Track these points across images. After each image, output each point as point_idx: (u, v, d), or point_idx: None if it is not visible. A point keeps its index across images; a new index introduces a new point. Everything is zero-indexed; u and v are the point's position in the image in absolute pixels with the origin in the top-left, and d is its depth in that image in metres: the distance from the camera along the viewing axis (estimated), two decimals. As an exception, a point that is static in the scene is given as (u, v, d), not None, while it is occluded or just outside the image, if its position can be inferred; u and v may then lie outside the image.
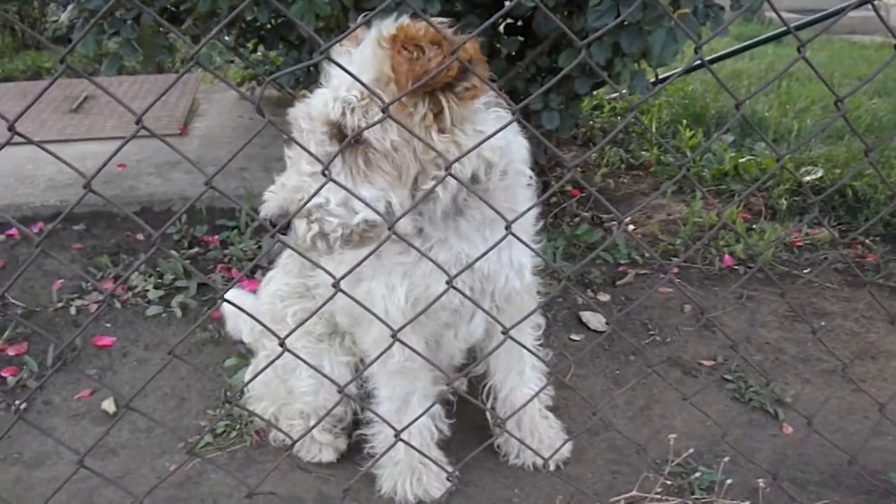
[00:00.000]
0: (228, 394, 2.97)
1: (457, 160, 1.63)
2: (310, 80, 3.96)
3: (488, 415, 2.70)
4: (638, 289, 3.77)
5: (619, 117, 6.09)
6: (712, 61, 5.73)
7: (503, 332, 1.68)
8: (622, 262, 3.97)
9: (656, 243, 4.14)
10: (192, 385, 3.06)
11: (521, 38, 3.87)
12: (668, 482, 2.53)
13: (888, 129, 5.69)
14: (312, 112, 1.84)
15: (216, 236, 4.02)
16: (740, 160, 4.94)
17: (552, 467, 2.61)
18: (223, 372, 3.12)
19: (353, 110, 1.78)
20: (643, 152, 5.38)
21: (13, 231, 3.99)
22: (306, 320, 1.73)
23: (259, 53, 4.68)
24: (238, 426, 2.81)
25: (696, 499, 2.46)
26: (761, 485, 2.44)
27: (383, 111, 1.42)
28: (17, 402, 2.92)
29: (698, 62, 1.58)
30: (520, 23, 3.96)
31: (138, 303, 3.55)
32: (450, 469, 2.19)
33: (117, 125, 5.24)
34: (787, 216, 4.48)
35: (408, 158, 1.82)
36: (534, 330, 2.62)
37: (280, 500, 2.50)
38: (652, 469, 2.57)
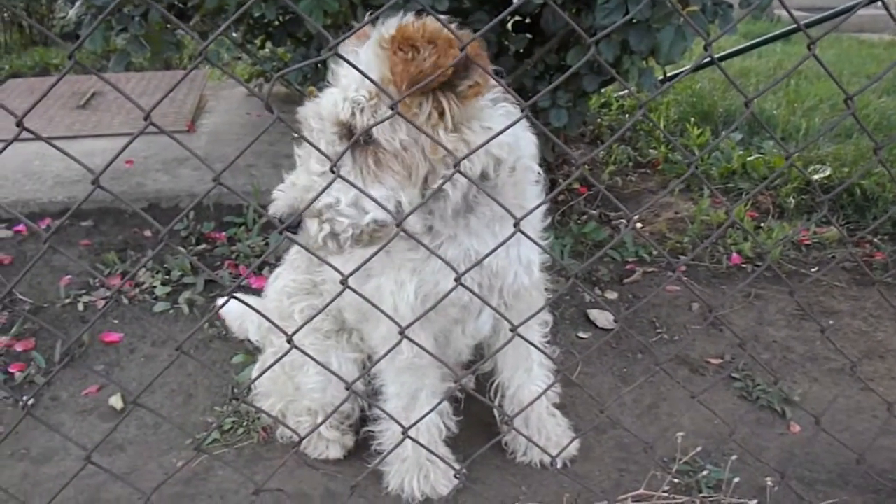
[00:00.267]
0: (236, 390, 2.97)
1: (465, 157, 1.62)
2: (318, 76, 3.96)
3: (496, 412, 2.70)
4: (646, 287, 3.76)
5: (626, 115, 6.08)
6: (721, 59, 5.71)
7: (511, 330, 1.68)
8: (630, 259, 3.97)
9: (664, 241, 4.13)
10: (200, 381, 3.06)
11: (529, 36, 3.86)
12: (676, 480, 2.52)
13: (896, 128, 5.68)
14: (322, 112, 1.84)
15: (223, 233, 4.03)
16: (748, 158, 4.92)
17: (559, 465, 2.61)
18: (230, 368, 3.12)
19: (362, 110, 1.78)
20: (651, 150, 5.36)
21: (21, 227, 4.00)
22: (314, 317, 1.73)
23: (267, 50, 4.68)
24: (245, 423, 2.81)
25: (704, 497, 2.46)
26: (769, 483, 2.44)
27: (391, 108, 1.42)
28: (24, 398, 2.93)
29: (708, 59, 1.57)
30: (528, 20, 3.95)
31: (146, 299, 3.56)
32: (457, 466, 2.19)
33: (125, 122, 5.24)
34: (794, 215, 4.47)
35: (417, 157, 1.82)
36: (541, 327, 2.61)
37: (287, 496, 2.50)
38: (659, 467, 2.57)
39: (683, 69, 5.16)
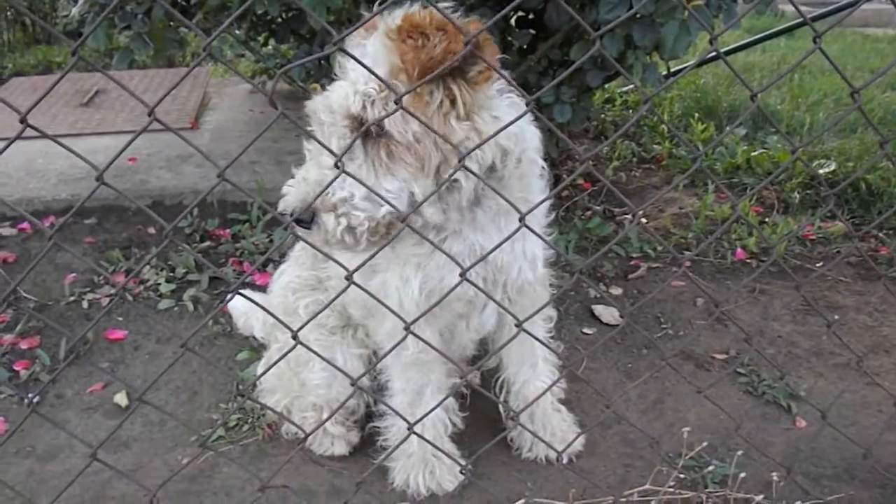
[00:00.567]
0: (241, 387, 2.97)
1: (477, 147, 1.62)
2: (321, 73, 3.96)
3: (501, 408, 2.70)
4: (650, 282, 3.76)
5: (630, 111, 6.07)
6: (725, 54, 5.69)
7: (517, 325, 1.67)
8: (634, 255, 3.96)
9: (668, 237, 4.13)
10: (205, 378, 3.06)
11: (532, 32, 3.86)
12: (682, 476, 2.52)
13: (902, 122, 5.67)
14: (333, 105, 1.83)
15: (228, 230, 4.03)
16: (752, 153, 4.92)
17: (565, 460, 2.61)
18: (235, 365, 3.12)
19: (373, 103, 1.78)
20: (655, 145, 5.36)
21: (25, 225, 4.00)
22: (319, 313, 1.72)
23: (270, 47, 4.68)
24: (250, 419, 2.81)
25: (710, 492, 2.45)
26: (775, 478, 2.43)
27: (396, 103, 1.41)
28: (29, 396, 2.93)
29: (713, 54, 1.56)
30: (531, 16, 3.94)
31: (150, 296, 3.56)
32: (463, 462, 2.18)
33: (128, 119, 5.24)
34: (799, 209, 4.46)
35: (429, 148, 1.81)
36: (546, 323, 2.61)
37: (292, 493, 2.50)
38: (665, 462, 2.56)
39: (688, 64, 5.16)
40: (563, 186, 1.75)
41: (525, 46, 3.92)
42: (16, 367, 3.08)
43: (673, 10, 3.07)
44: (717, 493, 2.44)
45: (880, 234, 4.19)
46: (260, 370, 2.84)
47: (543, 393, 2.26)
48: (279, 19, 4.17)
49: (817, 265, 3.93)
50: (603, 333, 3.37)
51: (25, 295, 3.54)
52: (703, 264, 3.93)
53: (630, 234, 4.02)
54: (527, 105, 1.45)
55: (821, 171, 4.68)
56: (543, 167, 2.16)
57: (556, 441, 2.56)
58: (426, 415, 1.95)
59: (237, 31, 4.44)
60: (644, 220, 4.33)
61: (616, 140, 5.29)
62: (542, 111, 3.62)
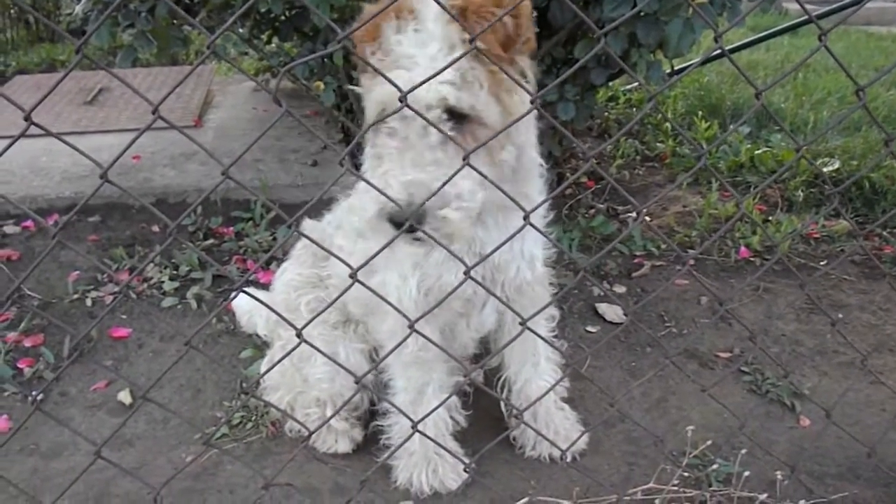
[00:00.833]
0: (244, 385, 2.97)
1: (516, 121, 1.61)
2: (324, 70, 3.96)
3: (503, 406, 2.70)
4: (654, 280, 3.75)
5: (634, 109, 6.06)
6: (729, 52, 5.69)
7: (521, 324, 1.67)
8: (638, 253, 3.96)
9: (672, 235, 4.13)
10: (208, 376, 3.06)
11: (536, 29, 3.84)
12: (686, 474, 2.52)
13: (905, 121, 5.65)
14: (421, 97, 1.70)
15: (231, 228, 4.02)
16: (756, 152, 4.91)
17: (569, 459, 2.61)
18: (239, 363, 3.13)
19: (459, 89, 1.71)
20: (658, 144, 5.35)
21: (29, 223, 4.00)
22: (323, 311, 1.72)
23: (273, 45, 4.67)
24: (254, 417, 2.81)
25: (714, 491, 2.45)
26: (779, 477, 2.43)
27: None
28: (33, 394, 2.93)
29: (717, 52, 1.56)
30: (535, 13, 3.93)
31: (154, 294, 3.56)
32: (466, 460, 2.18)
33: (132, 117, 5.24)
34: (803, 208, 4.45)
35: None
36: (548, 322, 2.61)
37: (296, 491, 2.50)
38: (669, 461, 2.56)
39: (692, 62, 5.16)
40: (568, 184, 1.75)
41: (529, 44, 3.91)
42: (20, 365, 3.08)
43: (677, 8, 3.07)
44: (721, 492, 2.44)
45: (884, 233, 4.18)
46: (263, 368, 2.84)
47: (546, 392, 2.25)
48: (282, 17, 4.17)
49: (821, 264, 3.93)
50: (607, 332, 3.37)
51: (29, 293, 3.54)
52: (707, 263, 3.92)
53: (634, 232, 4.01)
54: (531, 102, 1.45)
55: (825, 170, 4.67)
56: (541, 165, 2.16)
57: (560, 439, 2.56)
58: (429, 413, 1.95)
59: (240, 30, 4.44)
60: (648, 219, 4.33)
61: (620, 138, 5.29)
62: (546, 109, 3.62)
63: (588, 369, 3.12)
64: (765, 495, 2.37)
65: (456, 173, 1.53)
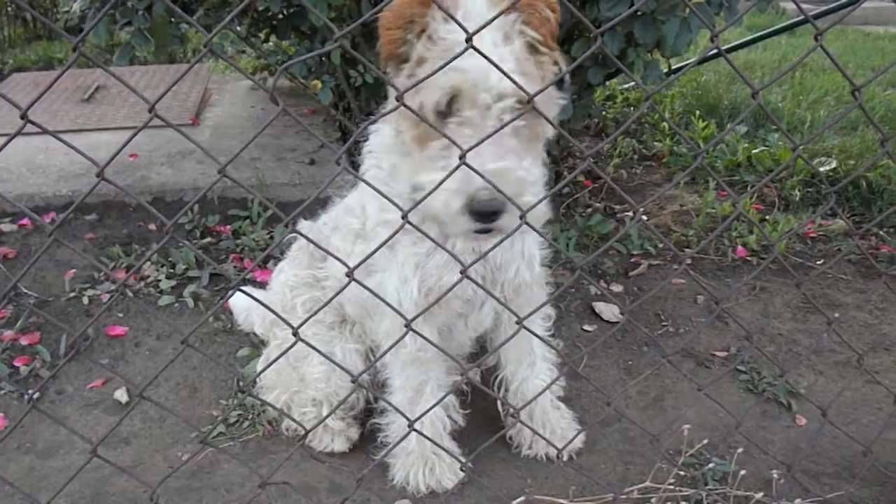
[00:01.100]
0: (241, 383, 2.97)
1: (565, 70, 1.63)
2: (322, 69, 3.95)
3: (500, 405, 2.70)
4: (651, 279, 3.76)
5: (631, 108, 6.07)
6: (726, 52, 5.69)
7: (517, 322, 1.67)
8: (635, 252, 3.96)
9: (669, 234, 4.13)
10: (205, 375, 3.06)
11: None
12: (682, 473, 2.52)
13: (903, 120, 5.66)
14: (498, 87, 1.71)
15: (228, 226, 4.02)
16: (753, 151, 4.91)
17: (565, 458, 2.61)
18: (236, 362, 3.12)
19: (530, 80, 1.70)
20: (656, 143, 5.35)
21: (26, 221, 4.00)
22: (318, 310, 1.72)
23: (271, 43, 4.66)
24: (250, 416, 2.81)
25: (710, 490, 2.45)
26: (775, 476, 2.43)
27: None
28: (29, 392, 2.93)
29: (714, 51, 1.56)
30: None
31: (150, 292, 3.56)
32: (462, 460, 2.19)
33: (129, 115, 5.23)
34: (800, 207, 4.46)
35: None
36: (544, 321, 2.61)
37: (293, 489, 2.50)
38: (665, 460, 2.56)
39: (689, 61, 5.15)
40: (565, 183, 1.74)
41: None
42: (16, 364, 3.08)
43: (674, 8, 3.07)
44: (717, 491, 2.44)
45: (881, 232, 4.19)
46: (260, 367, 2.84)
47: (542, 392, 2.26)
48: (280, 15, 4.17)
49: (818, 263, 3.93)
50: (603, 331, 3.37)
51: (26, 291, 3.54)
52: (704, 262, 3.92)
53: (631, 231, 4.02)
54: (527, 103, 1.45)
55: (822, 169, 4.68)
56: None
57: (556, 438, 2.56)
58: (426, 412, 1.95)
59: (238, 28, 4.43)
60: (645, 218, 4.33)
61: (617, 137, 5.29)
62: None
63: (584, 368, 3.12)
64: (761, 494, 2.38)
65: (454, 171, 1.52)
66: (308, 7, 1.28)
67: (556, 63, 1.83)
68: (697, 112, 5.63)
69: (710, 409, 2.83)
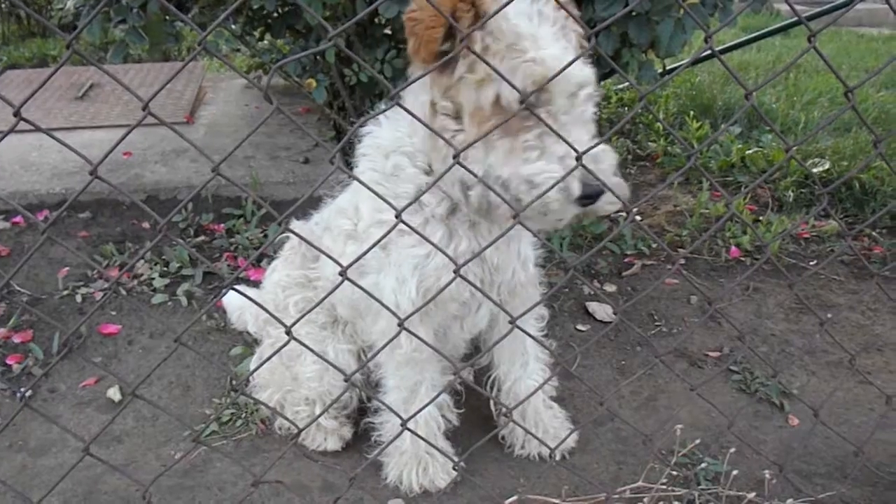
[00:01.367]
0: (234, 382, 2.96)
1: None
2: (317, 68, 3.95)
3: (492, 405, 2.70)
4: (644, 279, 3.76)
5: (626, 108, 6.07)
6: (720, 52, 5.70)
7: (510, 322, 1.67)
8: (629, 252, 3.97)
9: (663, 234, 4.13)
10: (198, 373, 3.06)
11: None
12: (674, 473, 2.52)
13: (895, 122, 5.68)
14: (580, 77, 1.77)
15: (222, 225, 4.02)
16: (747, 152, 4.92)
17: (558, 457, 2.61)
18: (229, 360, 3.12)
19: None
20: (650, 143, 5.36)
21: (19, 219, 3.99)
22: (311, 310, 1.72)
23: (265, 42, 4.66)
24: (244, 414, 2.81)
25: (702, 489, 2.46)
26: (767, 476, 2.44)
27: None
28: (22, 390, 2.93)
29: (708, 52, 1.57)
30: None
31: (144, 291, 3.55)
32: (455, 459, 2.19)
33: (123, 113, 5.23)
34: (793, 208, 4.47)
35: None
36: (537, 321, 2.62)
37: (286, 488, 2.50)
38: (658, 459, 2.57)
39: (683, 62, 5.16)
40: (557, 182, 1.75)
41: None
42: (8, 361, 3.07)
43: (668, 8, 3.08)
44: (710, 491, 2.45)
45: (874, 233, 4.20)
46: (253, 365, 2.84)
47: (534, 392, 2.26)
48: (275, 14, 4.16)
49: (811, 263, 3.94)
50: (597, 330, 3.38)
51: (19, 289, 3.53)
52: (698, 262, 3.93)
53: (624, 231, 4.02)
54: (521, 103, 1.45)
55: (815, 170, 4.69)
56: None
57: (549, 438, 2.56)
58: (419, 411, 1.96)
59: (233, 26, 4.43)
60: (638, 218, 4.33)
61: (611, 137, 5.29)
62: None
63: (578, 368, 3.12)
64: (753, 494, 2.38)
65: (448, 170, 1.53)
66: (302, 6, 1.28)
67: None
68: (692, 112, 5.64)
69: (703, 409, 2.84)
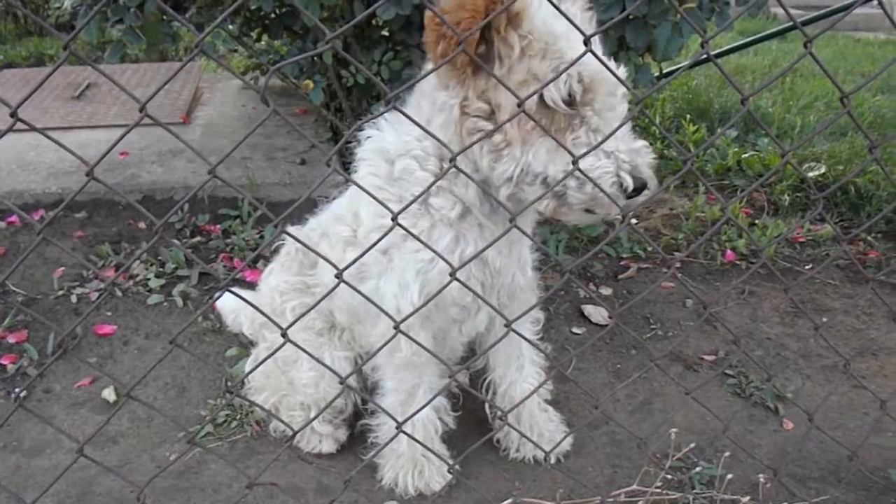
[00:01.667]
0: (229, 384, 2.97)
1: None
2: (314, 69, 3.95)
3: (487, 408, 2.70)
4: (640, 283, 3.77)
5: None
6: (717, 56, 5.72)
7: (506, 325, 1.67)
8: (625, 255, 3.97)
9: (659, 238, 4.14)
10: (193, 374, 3.06)
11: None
12: (669, 476, 2.53)
13: (891, 126, 5.69)
14: (621, 75, 1.78)
15: (218, 225, 4.01)
16: (743, 155, 4.93)
17: (553, 460, 2.61)
18: (224, 362, 3.12)
19: None
20: (646, 146, 5.35)
21: (14, 218, 3.98)
22: (306, 313, 1.71)
23: (263, 43, 4.66)
24: (239, 416, 2.81)
25: (697, 493, 2.46)
26: (762, 480, 2.44)
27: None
28: (16, 390, 2.92)
29: (704, 56, 1.57)
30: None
31: (139, 291, 3.55)
32: (451, 462, 2.19)
33: (120, 113, 5.22)
34: (789, 212, 4.48)
35: None
36: (533, 325, 2.62)
37: (280, 490, 2.49)
38: (652, 463, 2.57)
39: (680, 66, 5.17)
40: (554, 186, 1.75)
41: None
42: (3, 362, 3.07)
43: (666, 12, 3.08)
44: (704, 495, 2.45)
45: (869, 238, 4.21)
46: (248, 368, 2.84)
47: (529, 395, 2.26)
48: (272, 15, 4.16)
49: (806, 267, 3.95)
50: (592, 333, 3.38)
51: (14, 288, 3.53)
52: (694, 265, 3.94)
53: (620, 234, 4.02)
54: (518, 106, 1.45)
55: (810, 174, 4.70)
56: None
57: (544, 441, 2.57)
58: (414, 414, 1.95)
59: (230, 27, 4.42)
60: (634, 221, 4.34)
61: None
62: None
63: (573, 371, 3.13)
64: (747, 498, 2.38)
65: (446, 173, 1.52)
66: (300, 8, 1.28)
67: None
68: (688, 116, 5.65)
69: (698, 412, 2.84)
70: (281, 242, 2.77)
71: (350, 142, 1.97)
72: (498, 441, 2.68)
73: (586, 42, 1.42)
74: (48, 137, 1.23)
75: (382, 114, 2.11)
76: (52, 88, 5.75)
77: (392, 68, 3.66)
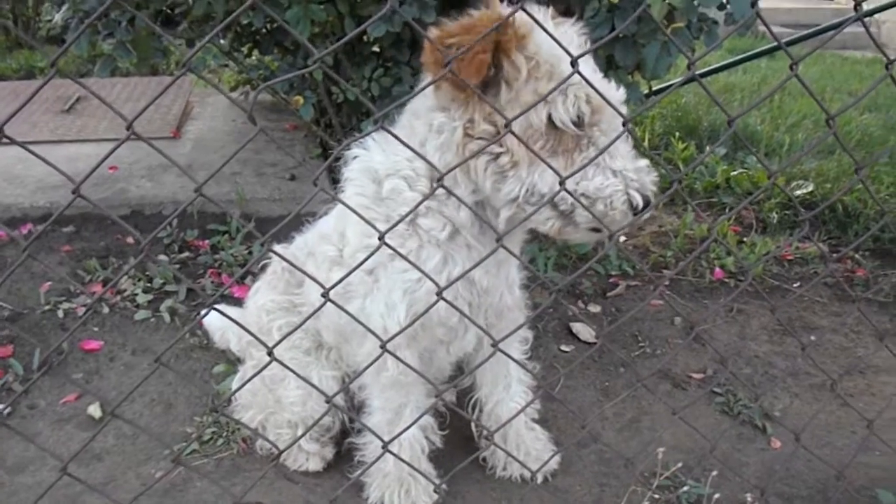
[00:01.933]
0: (216, 401, 2.95)
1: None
2: (304, 85, 3.96)
3: (473, 428, 2.69)
4: (629, 300, 3.77)
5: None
6: (705, 74, 5.76)
7: (493, 345, 1.67)
8: (613, 273, 3.97)
9: (648, 255, 4.15)
10: (180, 391, 3.04)
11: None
12: (656, 496, 2.52)
13: (878, 145, 5.73)
14: (623, 96, 1.92)
15: (207, 241, 3.99)
16: (732, 173, 4.96)
17: (540, 479, 2.61)
18: (211, 378, 3.10)
19: None
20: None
21: (1, 233, 3.96)
22: (292, 331, 1.71)
23: (254, 58, 4.67)
24: (225, 434, 2.79)
25: (684, 513, 2.46)
26: (749, 499, 2.44)
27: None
28: (1, 407, 2.90)
29: (691, 77, 1.58)
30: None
31: (127, 307, 3.53)
32: (437, 481, 2.18)
33: (110, 127, 5.21)
34: (777, 230, 4.49)
35: None
36: (521, 344, 2.61)
37: (266, 508, 2.48)
38: (640, 482, 2.57)
39: (669, 83, 5.19)
40: (545, 202, 1.76)
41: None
42: (-12, 377, 3.05)
43: (655, 32, 3.10)
44: (692, 514, 2.45)
45: (856, 256, 4.23)
46: (235, 385, 2.82)
47: (516, 415, 2.26)
48: (263, 30, 4.17)
49: (794, 286, 3.96)
50: (581, 351, 3.38)
51: (0, 303, 3.50)
52: (682, 283, 3.94)
53: (609, 252, 4.03)
54: (506, 126, 1.45)
55: (798, 192, 4.73)
56: None
57: (531, 460, 2.56)
58: (400, 434, 1.95)
59: (221, 41, 4.43)
60: (623, 239, 4.35)
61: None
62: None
63: (561, 389, 3.12)
64: (735, 518, 2.39)
65: (431, 194, 1.53)
66: (288, 29, 1.28)
67: None
68: (677, 133, 5.67)
69: (686, 431, 2.84)
70: (268, 260, 2.76)
71: (338, 159, 1.97)
72: (484, 460, 2.67)
73: (573, 63, 1.43)
74: (34, 154, 1.22)
75: (370, 133, 2.10)
76: (42, 102, 5.74)
77: (382, 85, 3.67)
